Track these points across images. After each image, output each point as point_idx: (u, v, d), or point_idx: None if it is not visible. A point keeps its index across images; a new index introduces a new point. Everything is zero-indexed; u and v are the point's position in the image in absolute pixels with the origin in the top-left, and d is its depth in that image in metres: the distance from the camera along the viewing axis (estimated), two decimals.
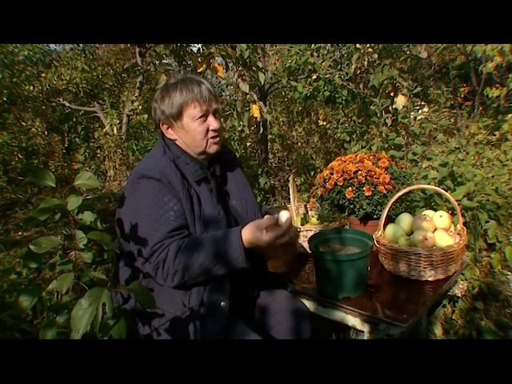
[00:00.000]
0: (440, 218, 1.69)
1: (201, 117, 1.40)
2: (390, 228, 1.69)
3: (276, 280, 1.55)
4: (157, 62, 5.38)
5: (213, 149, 1.45)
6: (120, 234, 1.36)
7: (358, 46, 3.38)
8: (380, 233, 1.66)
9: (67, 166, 5.76)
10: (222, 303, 1.33)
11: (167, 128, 1.44)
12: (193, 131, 1.41)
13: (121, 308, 1.37)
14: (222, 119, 1.53)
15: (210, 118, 1.42)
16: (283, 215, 1.30)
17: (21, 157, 5.42)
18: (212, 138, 1.43)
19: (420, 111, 4.27)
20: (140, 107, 6.01)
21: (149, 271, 1.29)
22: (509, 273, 2.16)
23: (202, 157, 1.46)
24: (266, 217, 1.31)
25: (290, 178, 1.83)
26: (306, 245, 1.76)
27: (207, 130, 1.42)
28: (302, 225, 1.88)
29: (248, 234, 1.28)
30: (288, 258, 1.43)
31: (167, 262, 1.25)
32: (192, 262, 1.25)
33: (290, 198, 1.79)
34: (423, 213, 1.78)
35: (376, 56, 3.43)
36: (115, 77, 6.98)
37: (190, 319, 1.30)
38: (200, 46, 3.85)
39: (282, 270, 1.44)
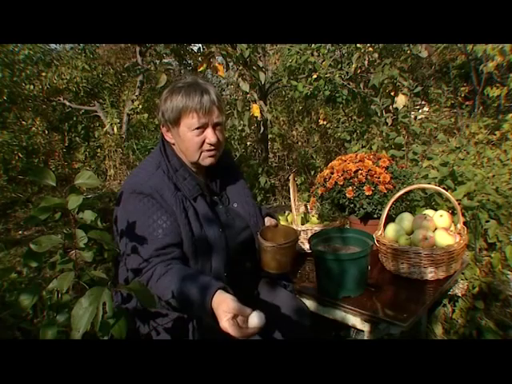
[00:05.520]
0: (440, 218, 1.70)
1: (198, 128, 1.35)
2: (391, 227, 1.69)
3: (276, 279, 1.55)
4: (157, 61, 5.38)
5: (206, 162, 1.40)
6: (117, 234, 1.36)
7: (358, 45, 3.38)
8: (380, 232, 1.67)
9: (67, 165, 5.76)
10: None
11: (166, 131, 1.41)
12: (188, 141, 1.36)
13: (121, 307, 1.37)
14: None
15: (209, 131, 1.36)
16: (254, 318, 1.06)
17: (21, 156, 5.42)
18: (207, 150, 1.38)
19: (420, 110, 4.26)
20: (140, 106, 6.01)
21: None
22: (509, 272, 2.16)
23: (195, 166, 1.43)
24: (239, 308, 1.06)
25: (291, 178, 1.83)
26: (306, 244, 1.76)
27: (203, 143, 1.37)
28: (303, 224, 1.88)
29: (216, 304, 1.09)
30: (285, 259, 1.42)
31: (150, 283, 1.23)
32: (167, 291, 1.19)
33: (290, 198, 1.79)
34: (423, 212, 1.78)
35: (376, 55, 3.42)
36: (115, 76, 6.98)
37: (190, 318, 1.31)
38: (200, 45, 3.85)
39: (278, 271, 1.43)
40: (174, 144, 1.42)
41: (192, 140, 1.36)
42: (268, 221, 1.60)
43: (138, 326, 1.36)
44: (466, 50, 5.77)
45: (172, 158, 1.41)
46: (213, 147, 1.38)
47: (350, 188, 1.83)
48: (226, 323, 1.04)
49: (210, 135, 1.36)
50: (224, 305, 1.07)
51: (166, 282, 1.21)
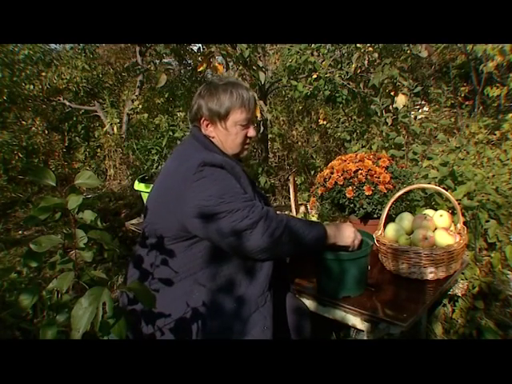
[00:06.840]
0: (440, 218, 1.69)
1: (245, 123, 1.45)
2: (391, 227, 1.69)
3: (277, 279, 1.55)
4: (157, 61, 5.38)
5: (244, 154, 1.53)
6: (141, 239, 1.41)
7: (358, 45, 3.38)
8: (380, 232, 1.66)
9: (67, 164, 5.75)
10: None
11: (207, 125, 1.47)
12: (234, 135, 1.45)
13: (124, 307, 1.37)
14: None
15: (251, 126, 1.48)
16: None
17: (21, 156, 5.42)
18: (247, 144, 1.50)
19: (420, 110, 4.25)
20: (140, 106, 6.01)
21: (248, 223, 1.25)
22: (509, 272, 2.16)
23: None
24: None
25: (291, 177, 1.84)
26: None
27: (246, 137, 1.47)
28: None
29: (333, 225, 1.47)
30: None
31: (270, 217, 1.28)
32: (290, 225, 1.31)
33: (290, 198, 1.79)
34: (423, 212, 1.77)
35: (376, 55, 3.42)
36: (115, 76, 6.97)
37: (193, 319, 1.30)
38: (200, 45, 3.84)
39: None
40: (213, 137, 1.48)
41: (239, 134, 1.46)
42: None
43: (144, 327, 1.35)
44: (466, 50, 5.76)
45: (214, 147, 1.47)
46: (250, 141, 1.51)
47: (350, 188, 1.83)
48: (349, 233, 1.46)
49: (252, 130, 1.49)
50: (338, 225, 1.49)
51: (288, 218, 1.35)
